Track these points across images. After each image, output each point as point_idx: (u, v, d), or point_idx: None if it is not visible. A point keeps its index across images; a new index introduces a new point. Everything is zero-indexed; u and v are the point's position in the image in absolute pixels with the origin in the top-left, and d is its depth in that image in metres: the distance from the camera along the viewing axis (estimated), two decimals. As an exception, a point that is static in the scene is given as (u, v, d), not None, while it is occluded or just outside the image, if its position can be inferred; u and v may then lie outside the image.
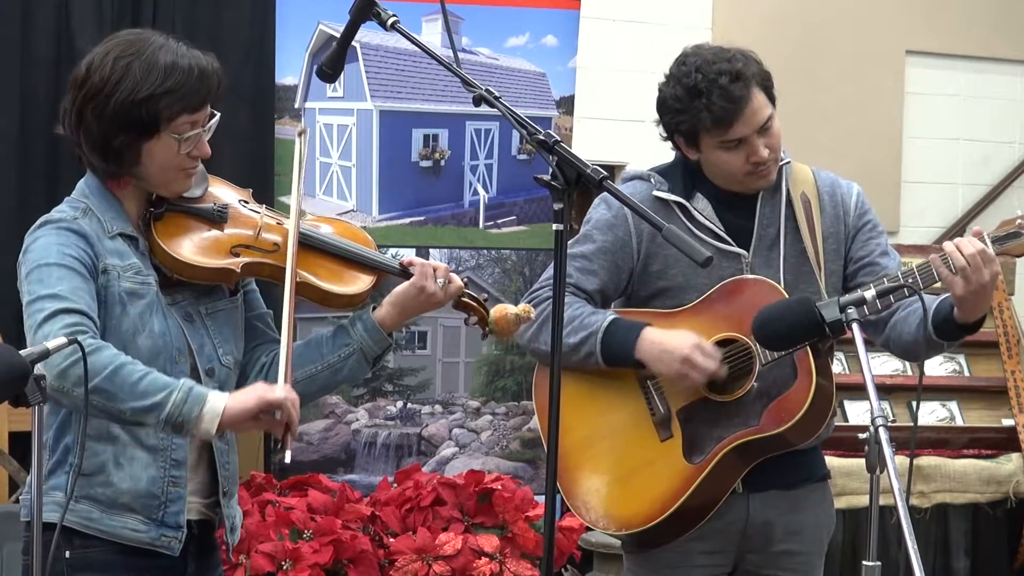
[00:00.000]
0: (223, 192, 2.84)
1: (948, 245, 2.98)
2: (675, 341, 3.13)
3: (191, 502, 2.77)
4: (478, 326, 2.89)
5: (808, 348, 3.11)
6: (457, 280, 2.84)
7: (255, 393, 2.57)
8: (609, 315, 3.22)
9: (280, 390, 2.57)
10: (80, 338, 2.45)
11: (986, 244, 2.98)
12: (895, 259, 3.28)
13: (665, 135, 3.24)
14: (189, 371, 2.71)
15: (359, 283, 2.83)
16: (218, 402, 2.54)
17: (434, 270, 2.81)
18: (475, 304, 2.88)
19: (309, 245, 2.81)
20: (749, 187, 3.22)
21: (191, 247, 2.72)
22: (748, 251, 3.22)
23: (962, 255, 2.96)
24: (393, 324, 2.84)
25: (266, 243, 2.78)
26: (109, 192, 2.73)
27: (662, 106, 3.20)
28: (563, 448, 3.20)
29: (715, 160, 3.18)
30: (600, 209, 3.28)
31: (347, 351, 2.84)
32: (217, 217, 2.77)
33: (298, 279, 2.74)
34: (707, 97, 3.09)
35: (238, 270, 2.73)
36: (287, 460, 2.63)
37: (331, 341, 2.86)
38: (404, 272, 2.83)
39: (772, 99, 3.18)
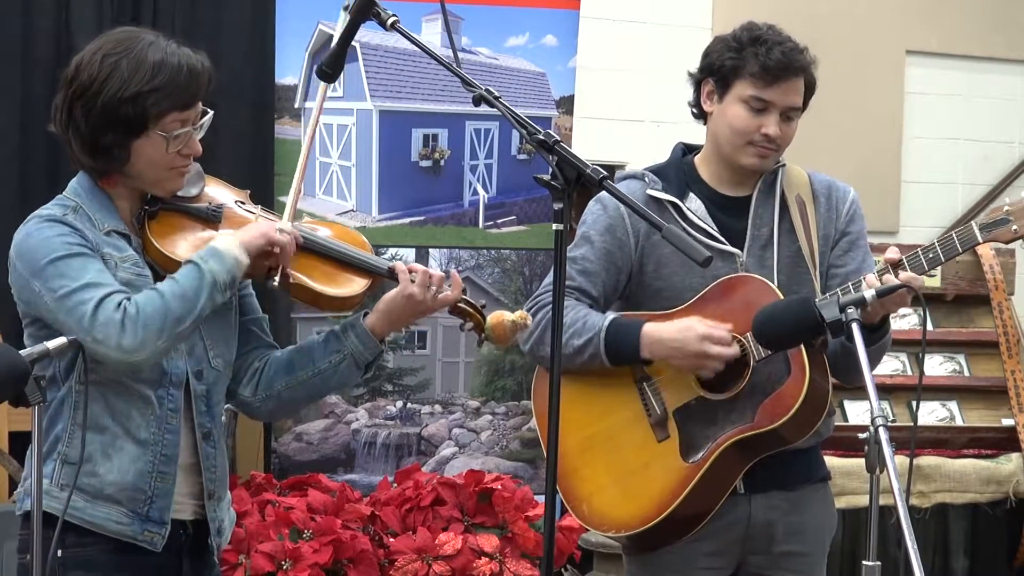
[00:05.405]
0: (219, 193, 2.84)
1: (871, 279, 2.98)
2: (681, 336, 3.13)
3: (186, 502, 2.76)
4: (474, 332, 2.86)
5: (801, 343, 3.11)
6: (453, 292, 2.81)
7: (260, 230, 2.70)
8: (608, 314, 3.21)
9: (284, 224, 2.73)
10: (125, 303, 2.54)
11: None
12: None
13: (698, 75, 3.25)
14: (184, 366, 2.71)
15: (352, 286, 2.81)
16: (231, 244, 2.66)
17: (430, 277, 2.78)
18: (471, 310, 2.85)
19: (304, 247, 2.79)
20: (741, 161, 3.20)
21: (184, 245, 2.71)
22: (742, 251, 3.22)
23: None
24: (383, 331, 2.82)
25: None
26: (101, 191, 2.71)
27: (715, 45, 3.23)
28: (561, 452, 3.18)
29: (730, 115, 3.18)
30: (596, 210, 3.27)
31: (338, 357, 2.83)
32: (212, 217, 2.77)
33: (291, 280, 2.74)
34: (767, 47, 3.15)
35: None
36: (276, 283, 2.73)
37: (322, 347, 2.84)
38: (393, 275, 2.81)
39: (805, 104, 3.22)
